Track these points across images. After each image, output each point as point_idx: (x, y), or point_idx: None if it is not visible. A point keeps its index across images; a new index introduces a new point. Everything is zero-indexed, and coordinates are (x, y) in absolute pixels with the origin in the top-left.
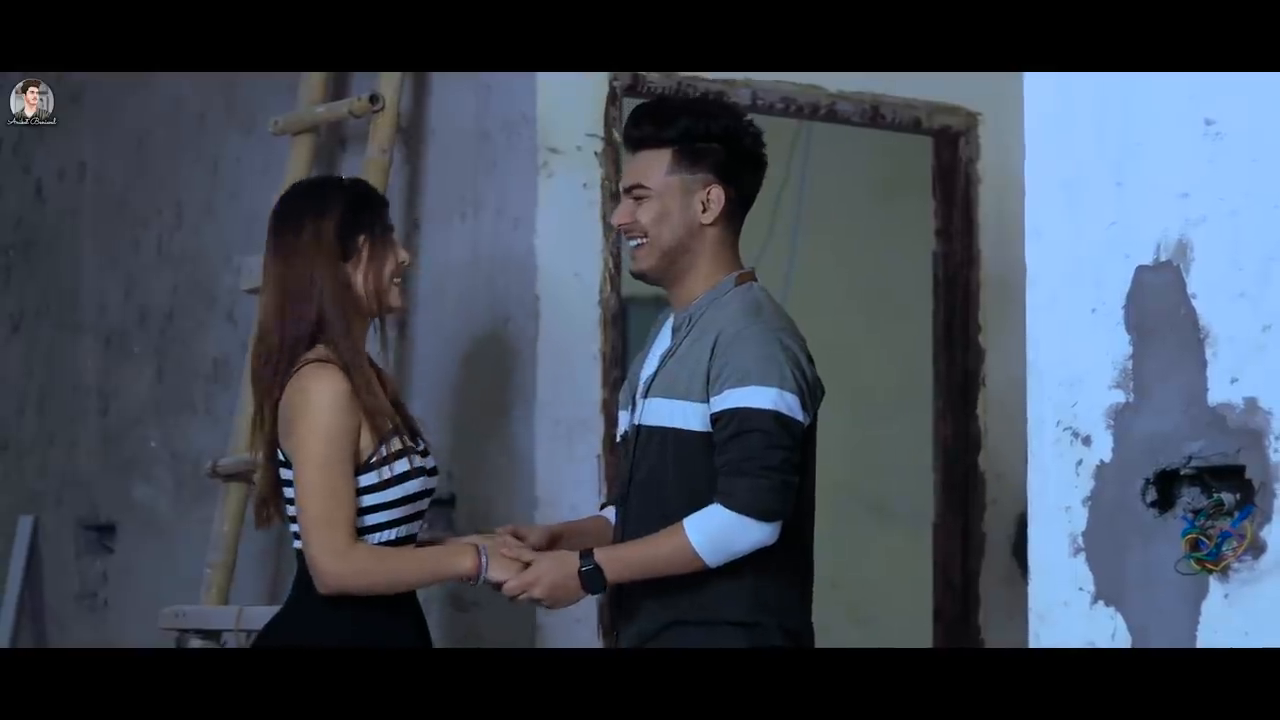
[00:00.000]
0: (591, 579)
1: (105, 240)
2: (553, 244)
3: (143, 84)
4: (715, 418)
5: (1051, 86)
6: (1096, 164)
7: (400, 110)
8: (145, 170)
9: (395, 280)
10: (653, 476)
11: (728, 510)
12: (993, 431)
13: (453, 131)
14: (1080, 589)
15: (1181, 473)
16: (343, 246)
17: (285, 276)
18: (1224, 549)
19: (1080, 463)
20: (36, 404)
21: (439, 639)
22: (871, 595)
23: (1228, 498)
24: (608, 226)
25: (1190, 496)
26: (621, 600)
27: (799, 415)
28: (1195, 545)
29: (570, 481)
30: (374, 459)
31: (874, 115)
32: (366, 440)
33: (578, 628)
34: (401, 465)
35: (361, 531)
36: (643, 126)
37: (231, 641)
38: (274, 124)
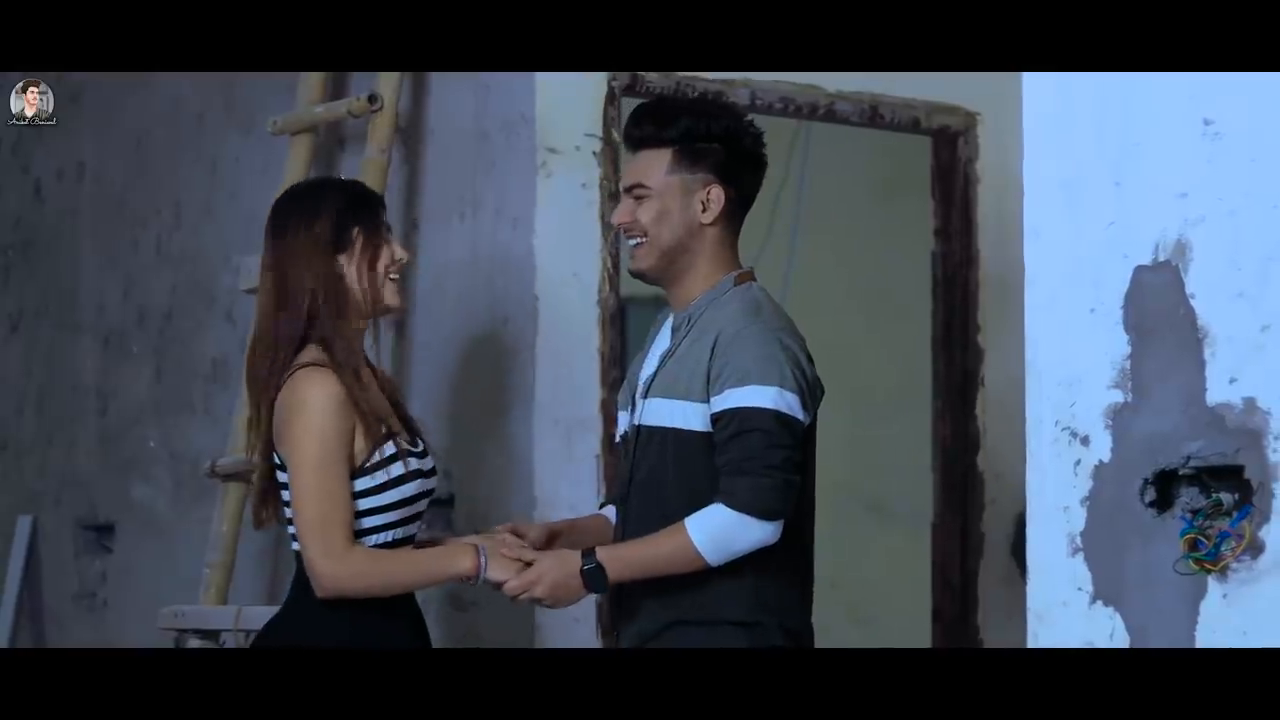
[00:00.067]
0: (593, 578)
1: (104, 240)
2: (552, 244)
3: (142, 84)
4: (716, 418)
5: (1050, 86)
6: (1095, 164)
7: (399, 110)
8: (144, 170)
9: (391, 276)
10: (653, 476)
11: (729, 509)
12: (991, 431)
13: (451, 131)
14: (1079, 589)
15: (1180, 473)
16: (336, 239)
17: (279, 275)
18: (1222, 549)
19: (1079, 463)
20: (35, 404)
21: (438, 639)
22: (871, 595)
23: (1226, 498)
24: (606, 226)
25: (1189, 496)
26: (622, 599)
27: (799, 414)
28: (1194, 545)
29: (569, 481)
30: (369, 463)
31: (873, 115)
32: (361, 443)
33: (577, 627)
34: (397, 469)
35: (358, 534)
36: (643, 126)
37: (230, 641)
38: (273, 124)
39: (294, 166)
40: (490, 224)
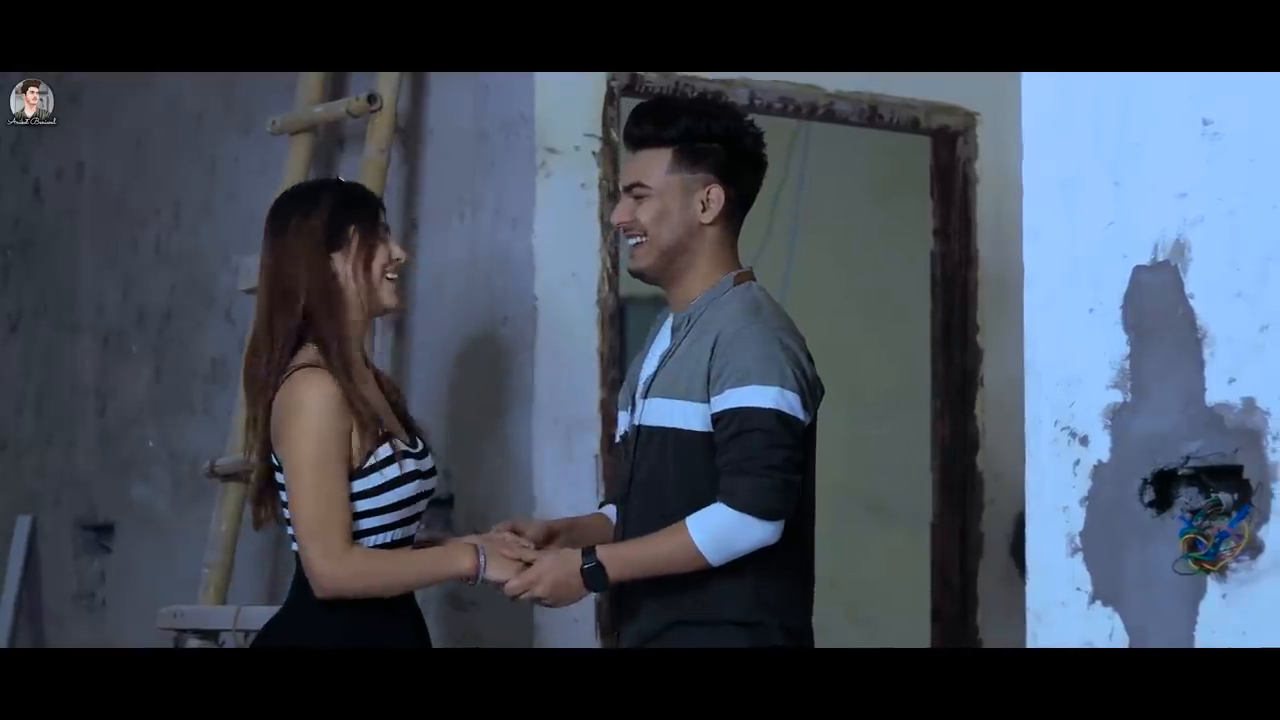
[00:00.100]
0: (594, 577)
1: (103, 240)
2: (551, 244)
3: (141, 84)
4: (716, 418)
5: (1049, 86)
6: (1094, 164)
7: (398, 110)
8: (143, 170)
9: (389, 276)
10: (653, 476)
11: (730, 509)
12: (991, 431)
13: (451, 131)
14: (1078, 589)
15: (1179, 473)
16: (331, 237)
17: (275, 275)
18: (1222, 549)
19: (1078, 463)
20: (34, 404)
21: (437, 639)
22: (870, 595)
23: (1225, 498)
24: (606, 226)
25: (1188, 496)
26: (622, 599)
27: (800, 414)
28: (1193, 545)
29: (568, 481)
30: (366, 464)
31: (872, 115)
32: (358, 444)
33: (576, 627)
34: (393, 471)
35: (356, 536)
36: (644, 126)
37: (229, 641)
38: (272, 124)
39: (293, 166)
40: (489, 224)
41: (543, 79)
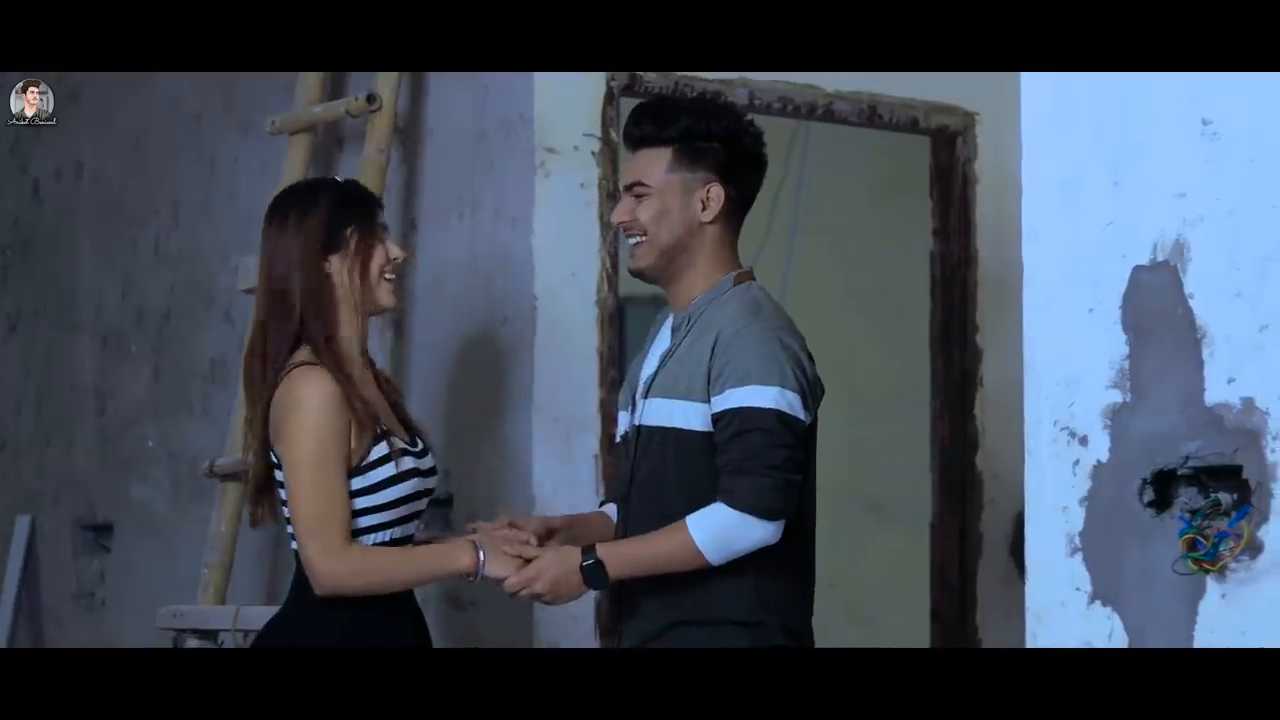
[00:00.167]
0: (593, 574)
1: (102, 240)
2: (550, 244)
3: (140, 84)
4: (717, 417)
5: (1049, 86)
6: (1094, 164)
7: (397, 110)
8: (142, 170)
9: (387, 276)
10: (653, 476)
11: (731, 509)
12: (990, 431)
13: (450, 131)
14: (1077, 589)
15: (1179, 473)
16: (328, 239)
17: (273, 274)
18: (1221, 549)
19: (1077, 463)
20: (34, 404)
21: (436, 639)
22: (870, 595)
23: (1225, 498)
24: (605, 226)
25: (1187, 496)
26: (622, 597)
27: (800, 414)
28: (1192, 545)
29: (568, 481)
30: (365, 462)
31: (871, 115)
32: (356, 442)
33: (576, 627)
34: (391, 468)
35: (355, 534)
36: (643, 125)
37: (228, 641)
38: (271, 124)
39: (292, 166)
40: (489, 224)
41: (542, 79)
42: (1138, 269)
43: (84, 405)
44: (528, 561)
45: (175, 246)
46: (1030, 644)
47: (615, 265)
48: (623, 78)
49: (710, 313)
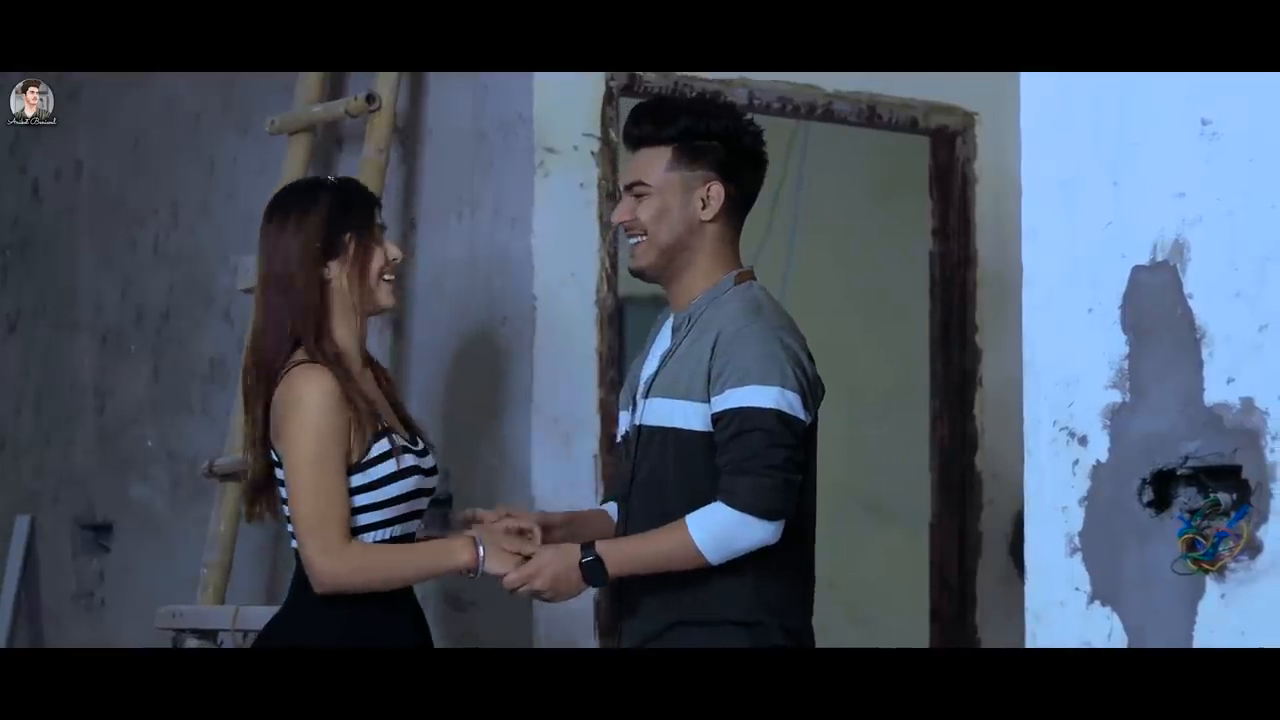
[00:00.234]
0: (592, 571)
1: (102, 240)
2: (549, 244)
3: (139, 84)
4: (716, 417)
5: (1048, 86)
6: (1093, 164)
7: (397, 110)
8: (142, 170)
9: (385, 278)
10: (654, 476)
11: (730, 509)
12: (989, 431)
13: (449, 131)
14: (1076, 589)
15: (1178, 473)
16: (328, 244)
17: (269, 276)
18: (1220, 549)
19: (1077, 463)
20: (33, 403)
21: (436, 639)
22: (869, 595)
23: (1224, 498)
24: (604, 226)
25: (1187, 496)
26: (622, 596)
27: (800, 414)
28: (1192, 545)
29: (567, 481)
30: (365, 459)
31: (871, 115)
32: (356, 440)
33: (575, 627)
34: (391, 465)
35: (356, 531)
36: (643, 125)
37: (228, 641)
38: (270, 124)
39: (292, 166)
40: (488, 224)
41: (541, 79)
42: (1137, 269)
43: (83, 405)
44: (527, 558)
45: (174, 246)
46: (1029, 644)
47: (614, 265)
48: (622, 78)
49: (710, 312)
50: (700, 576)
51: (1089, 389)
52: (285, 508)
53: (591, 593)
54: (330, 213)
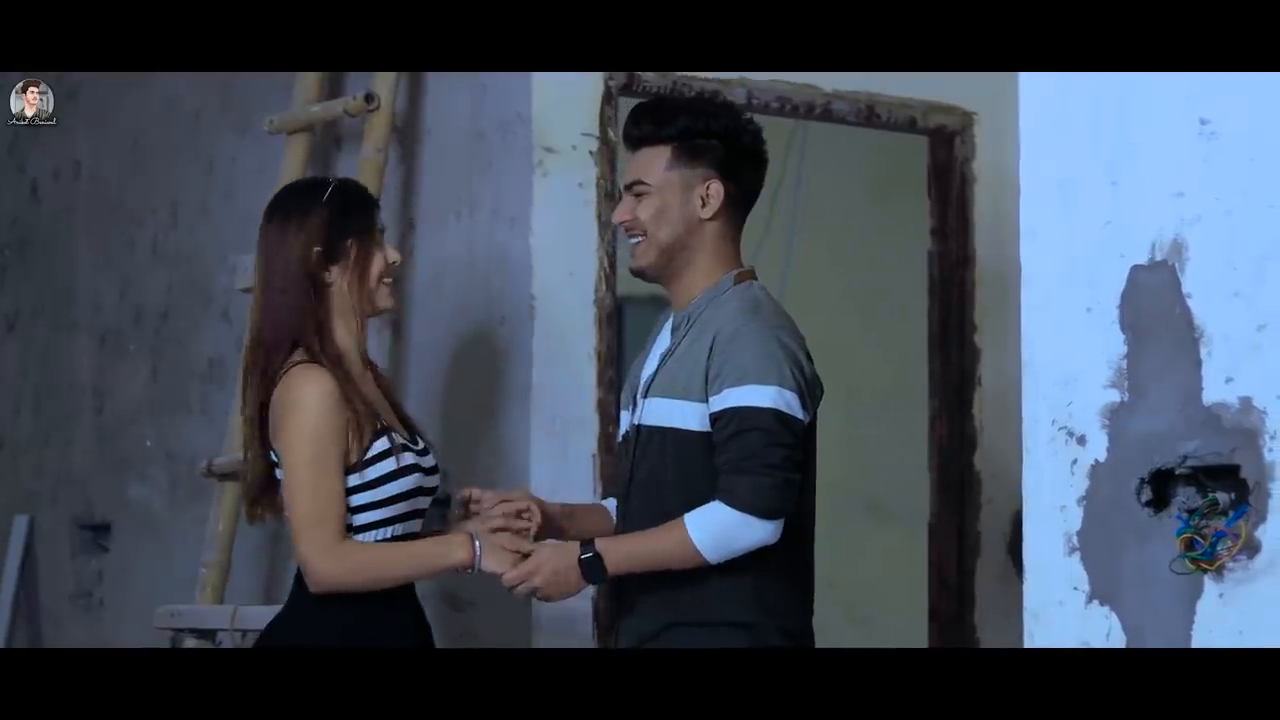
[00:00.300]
0: (591, 568)
1: (100, 239)
2: (548, 243)
3: (138, 83)
4: (715, 417)
5: (1047, 86)
6: (1092, 163)
7: (395, 110)
8: (140, 169)
9: (385, 280)
10: (652, 476)
11: (729, 508)
12: (988, 431)
13: (448, 131)
14: (1075, 588)
15: (1176, 472)
16: (329, 248)
17: (268, 277)
18: (1219, 548)
19: (1075, 462)
20: (32, 403)
21: (434, 639)
22: (868, 595)
23: (1223, 497)
24: (603, 226)
25: (1185, 496)
26: (621, 594)
27: (799, 413)
28: (1190, 545)
29: (565, 481)
30: (365, 458)
31: (869, 115)
32: (355, 440)
33: (574, 627)
34: (389, 464)
35: (356, 530)
36: (642, 125)
37: (227, 641)
38: (269, 123)
39: (290, 166)
40: (487, 223)
41: (540, 79)
42: (1136, 268)
43: (82, 405)
44: (525, 556)
45: (173, 246)
46: (1028, 643)
47: (613, 265)
48: (621, 77)
49: (710, 312)
50: (699, 576)
51: (1087, 388)
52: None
53: (590, 593)
54: (331, 216)
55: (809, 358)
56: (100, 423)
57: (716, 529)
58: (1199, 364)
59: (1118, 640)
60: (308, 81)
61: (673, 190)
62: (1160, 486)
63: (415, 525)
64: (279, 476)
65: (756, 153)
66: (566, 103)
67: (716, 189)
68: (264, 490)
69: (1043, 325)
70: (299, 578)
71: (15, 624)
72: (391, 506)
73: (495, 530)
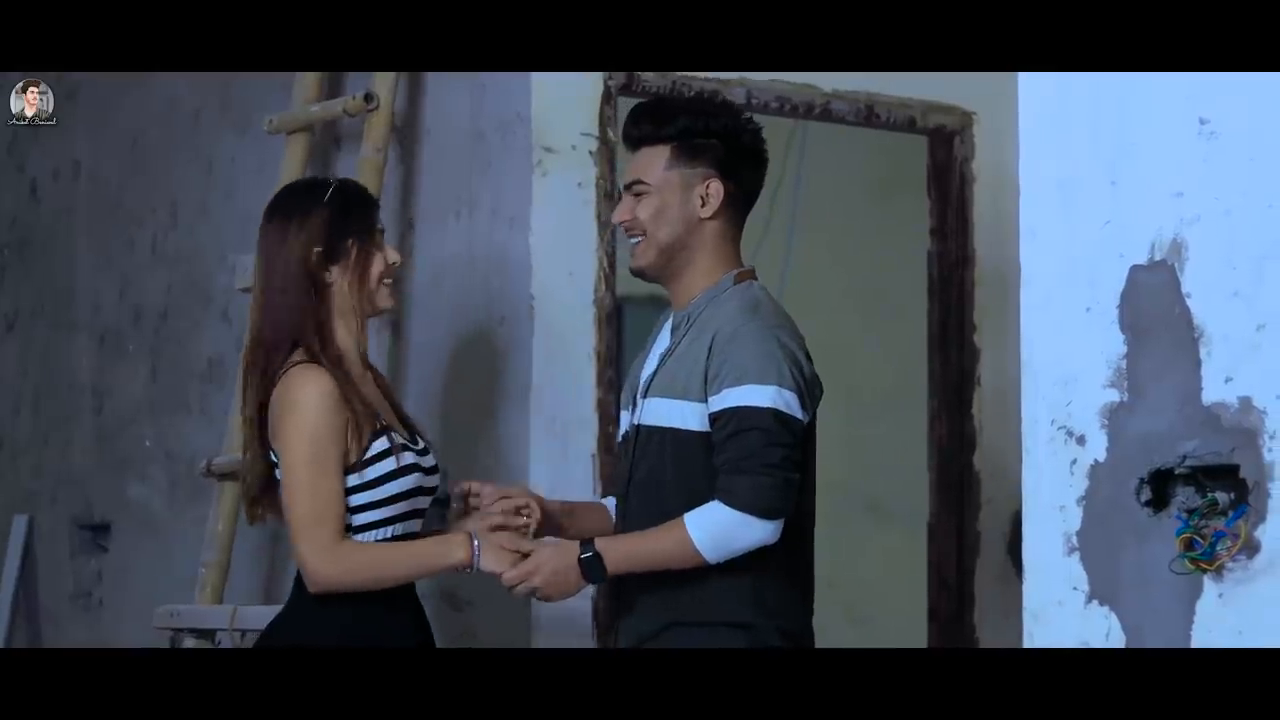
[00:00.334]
0: (591, 567)
1: (100, 239)
2: (548, 243)
3: (138, 83)
4: (714, 417)
5: (1046, 86)
6: (1091, 163)
7: (395, 109)
8: (140, 169)
9: (385, 281)
10: (652, 476)
11: (729, 508)
12: (987, 431)
13: (448, 131)
14: (1074, 588)
15: (1176, 472)
16: (329, 249)
17: (268, 277)
18: (1218, 548)
19: (1075, 462)
20: (31, 403)
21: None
22: (867, 595)
23: (1222, 497)
24: (602, 225)
25: (1184, 496)
26: (620, 593)
27: (798, 413)
28: (1190, 545)
29: (565, 481)
30: (364, 458)
31: (869, 114)
32: (354, 440)
33: (573, 627)
34: (389, 464)
35: (355, 530)
36: (642, 125)
37: (226, 641)
38: (269, 123)
39: (290, 166)
40: (486, 223)
41: (539, 79)
42: (1135, 268)
43: (81, 405)
44: (524, 556)
45: (173, 246)
46: (1028, 643)
47: (613, 264)
48: (620, 77)
49: (709, 311)
50: (698, 576)
51: (1087, 388)
52: None
53: (590, 592)
54: (331, 216)
55: (808, 357)
56: (100, 423)
57: (716, 529)
58: (1198, 364)
59: (1117, 640)
60: (307, 81)
61: (672, 190)
62: (1160, 486)
63: (415, 525)
64: (279, 476)
65: (756, 152)
66: (566, 103)
67: (716, 188)
68: (264, 490)
69: (1042, 325)
70: (299, 578)
71: (15, 624)
72: (391, 506)
73: (494, 528)
